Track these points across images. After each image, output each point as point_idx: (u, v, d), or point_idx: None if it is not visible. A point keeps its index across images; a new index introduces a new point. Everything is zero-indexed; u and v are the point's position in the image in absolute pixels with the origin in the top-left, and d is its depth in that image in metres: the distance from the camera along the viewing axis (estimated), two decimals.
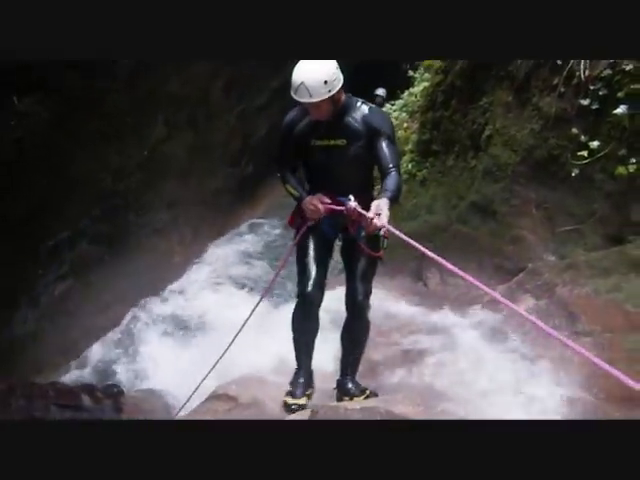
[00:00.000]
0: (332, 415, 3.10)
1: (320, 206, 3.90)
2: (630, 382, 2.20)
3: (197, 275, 10.52)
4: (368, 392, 4.30)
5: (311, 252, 4.16)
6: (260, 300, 4.53)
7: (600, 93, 5.13)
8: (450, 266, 2.89)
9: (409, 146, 7.59)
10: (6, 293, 7.39)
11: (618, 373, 2.23)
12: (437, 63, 7.38)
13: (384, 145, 3.83)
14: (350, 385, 4.33)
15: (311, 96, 3.70)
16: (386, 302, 6.49)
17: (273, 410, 5.01)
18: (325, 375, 5.43)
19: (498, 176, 6.05)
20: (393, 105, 8.95)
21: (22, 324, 7.78)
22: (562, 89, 5.41)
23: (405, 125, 8.20)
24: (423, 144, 7.17)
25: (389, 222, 3.54)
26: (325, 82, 3.67)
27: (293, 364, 4.66)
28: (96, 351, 8.71)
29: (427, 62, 8.51)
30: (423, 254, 3.11)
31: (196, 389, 5.27)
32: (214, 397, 5.44)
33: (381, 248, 4.00)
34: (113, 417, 6.08)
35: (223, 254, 11.02)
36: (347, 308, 4.20)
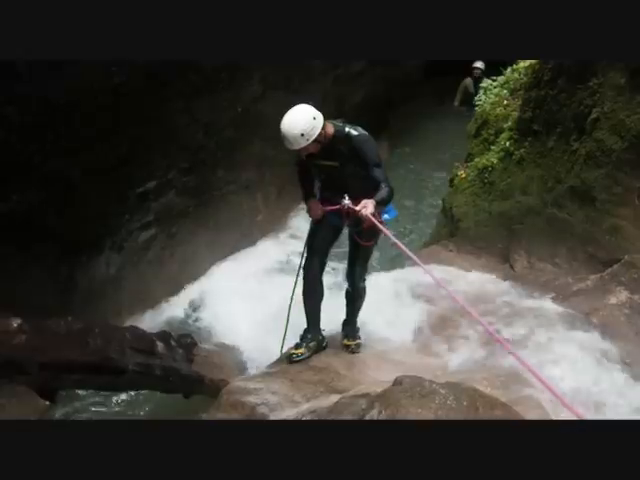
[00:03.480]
0: (415, 385, 3.00)
1: (319, 211, 4.98)
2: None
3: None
4: (359, 341, 5.45)
5: (316, 238, 5.15)
6: (297, 278, 5.37)
7: None
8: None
9: (508, 124, 7.32)
10: (92, 236, 7.53)
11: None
12: None
13: (372, 170, 4.69)
14: (348, 328, 5.50)
15: (292, 145, 4.61)
16: (470, 281, 6.35)
17: (343, 378, 4.96)
18: (409, 349, 5.39)
19: (601, 162, 5.76)
20: (494, 81, 8.65)
21: (104, 268, 7.93)
22: None
23: (505, 102, 7.91)
24: (524, 123, 6.86)
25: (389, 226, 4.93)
26: (302, 135, 4.53)
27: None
28: (174, 301, 8.83)
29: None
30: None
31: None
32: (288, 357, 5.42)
33: (370, 239, 5.02)
34: (184, 368, 6.14)
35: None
36: (347, 280, 5.36)
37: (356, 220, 4.77)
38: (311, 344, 5.29)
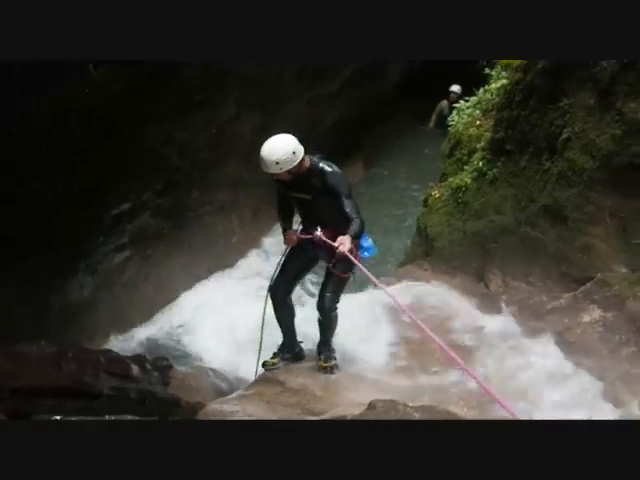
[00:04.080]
0: (390, 410, 2.98)
1: (294, 237, 5.19)
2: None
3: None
4: (333, 363, 5.51)
5: (288, 262, 5.41)
6: (267, 298, 5.45)
7: None
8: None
9: (481, 144, 7.38)
10: (66, 259, 7.46)
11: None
12: (516, 61, 7.14)
13: (344, 202, 4.81)
14: (324, 349, 5.57)
15: (267, 169, 4.77)
16: (445, 301, 6.37)
17: (320, 400, 4.95)
18: (378, 368, 5.38)
19: (573, 181, 5.81)
20: (467, 101, 8.75)
21: (78, 290, 7.85)
22: None
23: (478, 123, 7.99)
24: (496, 143, 6.93)
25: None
26: (277, 162, 4.71)
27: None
28: (149, 324, 8.75)
29: (505, 60, 8.28)
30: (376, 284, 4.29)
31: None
32: (264, 380, 5.41)
33: (345, 271, 5.14)
34: (160, 391, 6.09)
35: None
36: (317, 309, 5.34)
37: (326, 253, 5.01)
38: (286, 356, 5.67)
